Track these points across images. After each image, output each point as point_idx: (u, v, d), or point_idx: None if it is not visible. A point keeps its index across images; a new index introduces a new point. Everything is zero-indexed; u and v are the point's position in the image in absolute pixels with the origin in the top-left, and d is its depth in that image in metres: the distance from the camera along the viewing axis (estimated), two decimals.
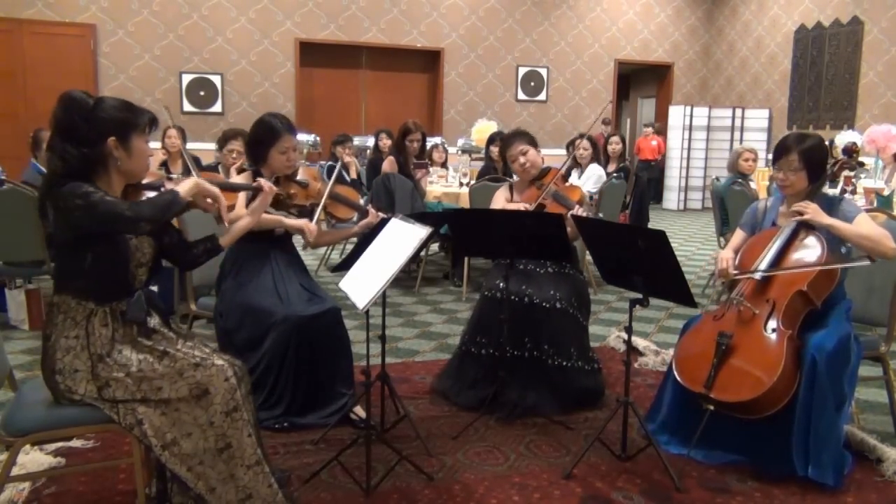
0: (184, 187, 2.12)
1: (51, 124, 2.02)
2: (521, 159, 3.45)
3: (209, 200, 2.19)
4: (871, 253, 2.60)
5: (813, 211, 2.70)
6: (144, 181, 2.22)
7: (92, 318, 2.03)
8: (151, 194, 2.15)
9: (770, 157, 3.23)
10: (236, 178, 3.12)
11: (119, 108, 2.06)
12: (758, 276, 2.71)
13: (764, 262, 2.72)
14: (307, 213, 3.03)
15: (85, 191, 1.93)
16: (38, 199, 2.05)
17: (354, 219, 3.17)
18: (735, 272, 2.80)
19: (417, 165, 5.92)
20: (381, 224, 2.61)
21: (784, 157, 2.79)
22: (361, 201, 3.15)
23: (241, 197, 2.90)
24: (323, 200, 2.98)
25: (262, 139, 3.00)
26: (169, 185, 2.24)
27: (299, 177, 3.06)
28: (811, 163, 2.76)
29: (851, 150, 3.01)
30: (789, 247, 2.74)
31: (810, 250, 2.69)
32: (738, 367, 2.60)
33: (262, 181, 2.68)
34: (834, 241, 2.71)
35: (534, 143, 3.51)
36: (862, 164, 6.06)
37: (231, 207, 2.55)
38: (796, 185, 2.79)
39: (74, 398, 2.02)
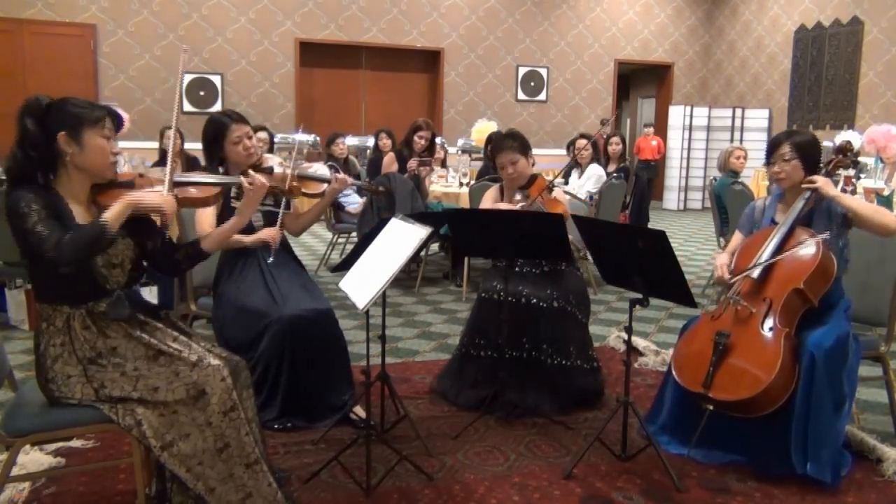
0: (112, 213, 1.96)
1: None
2: (510, 169, 3.38)
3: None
4: (874, 226, 2.67)
5: (823, 182, 2.72)
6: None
7: (71, 323, 2.01)
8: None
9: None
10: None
11: (75, 104, 2.02)
12: (755, 273, 2.72)
13: (761, 261, 2.73)
14: (282, 201, 3.00)
15: (24, 211, 1.89)
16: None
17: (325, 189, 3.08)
18: (729, 276, 2.80)
19: (422, 163, 5.93)
20: (381, 224, 2.60)
21: (776, 151, 2.84)
22: (326, 171, 3.10)
23: (211, 212, 2.85)
24: (288, 183, 2.88)
25: (212, 136, 2.99)
26: (142, 183, 2.14)
27: (264, 165, 3.00)
28: (804, 153, 2.80)
29: (845, 149, 3.00)
30: (785, 245, 2.74)
31: (806, 248, 2.69)
32: (735, 365, 2.60)
33: (253, 175, 2.50)
34: (831, 241, 2.71)
35: (524, 149, 3.40)
36: (857, 163, 6.05)
37: (208, 201, 2.40)
38: (792, 175, 2.81)
39: (72, 402, 2.01)
